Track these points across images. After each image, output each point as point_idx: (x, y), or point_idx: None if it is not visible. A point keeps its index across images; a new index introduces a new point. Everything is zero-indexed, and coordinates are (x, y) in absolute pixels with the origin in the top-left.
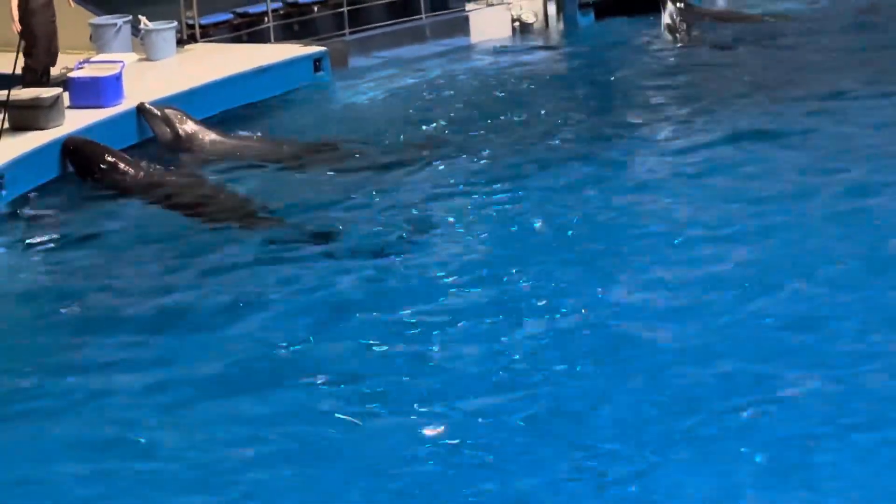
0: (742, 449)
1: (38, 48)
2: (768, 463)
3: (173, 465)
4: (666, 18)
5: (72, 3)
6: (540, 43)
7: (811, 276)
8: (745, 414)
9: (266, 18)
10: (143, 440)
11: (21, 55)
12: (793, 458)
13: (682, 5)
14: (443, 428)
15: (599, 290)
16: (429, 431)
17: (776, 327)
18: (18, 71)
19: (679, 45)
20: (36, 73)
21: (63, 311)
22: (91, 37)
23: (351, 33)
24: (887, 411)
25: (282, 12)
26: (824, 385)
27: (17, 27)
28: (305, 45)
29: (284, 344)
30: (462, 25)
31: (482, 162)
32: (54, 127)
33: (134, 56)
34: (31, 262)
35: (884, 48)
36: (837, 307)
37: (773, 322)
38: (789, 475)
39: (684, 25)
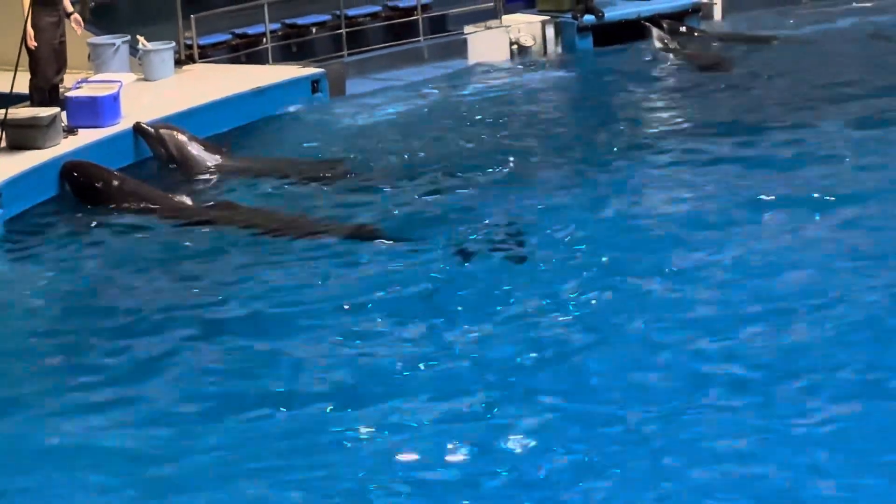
0: None
1: (45, 67)
2: None
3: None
4: (656, 43)
5: (79, 30)
6: (538, 66)
7: (808, 294)
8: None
9: (264, 39)
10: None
11: (29, 73)
12: None
13: (684, 28)
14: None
15: (616, 311)
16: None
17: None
18: (17, 89)
19: (673, 67)
20: (43, 92)
21: (61, 329)
22: (89, 56)
23: (349, 55)
24: None
25: (280, 33)
26: None
27: (32, 43)
28: (303, 66)
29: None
30: (460, 48)
31: (479, 184)
32: (52, 146)
33: (132, 76)
34: (29, 281)
35: (887, 72)
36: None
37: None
38: None
39: (678, 47)
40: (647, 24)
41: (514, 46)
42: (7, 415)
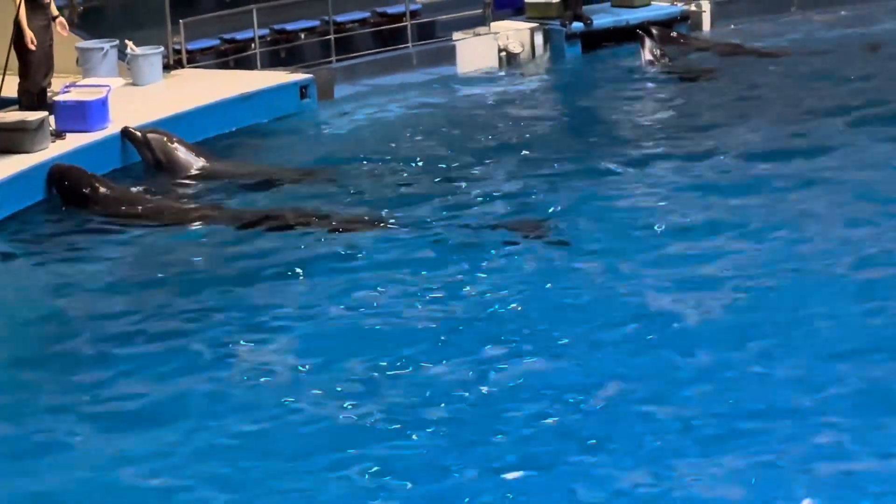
0: None
1: (36, 71)
2: None
3: None
4: (647, 55)
5: (65, 33)
6: (526, 73)
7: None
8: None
9: (253, 45)
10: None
11: (19, 77)
12: None
13: (675, 34)
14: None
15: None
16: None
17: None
18: (5, 93)
19: (663, 75)
20: (32, 96)
21: (48, 332)
22: (78, 60)
23: (338, 61)
24: None
25: (269, 39)
26: None
27: (32, 46)
28: (292, 71)
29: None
30: (449, 55)
31: (466, 192)
32: (40, 150)
33: (120, 80)
34: (15, 285)
35: (879, 84)
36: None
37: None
38: None
39: (667, 58)
40: (640, 31)
41: (503, 53)
42: None
